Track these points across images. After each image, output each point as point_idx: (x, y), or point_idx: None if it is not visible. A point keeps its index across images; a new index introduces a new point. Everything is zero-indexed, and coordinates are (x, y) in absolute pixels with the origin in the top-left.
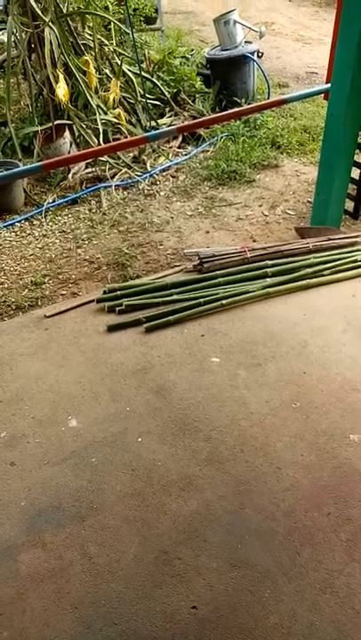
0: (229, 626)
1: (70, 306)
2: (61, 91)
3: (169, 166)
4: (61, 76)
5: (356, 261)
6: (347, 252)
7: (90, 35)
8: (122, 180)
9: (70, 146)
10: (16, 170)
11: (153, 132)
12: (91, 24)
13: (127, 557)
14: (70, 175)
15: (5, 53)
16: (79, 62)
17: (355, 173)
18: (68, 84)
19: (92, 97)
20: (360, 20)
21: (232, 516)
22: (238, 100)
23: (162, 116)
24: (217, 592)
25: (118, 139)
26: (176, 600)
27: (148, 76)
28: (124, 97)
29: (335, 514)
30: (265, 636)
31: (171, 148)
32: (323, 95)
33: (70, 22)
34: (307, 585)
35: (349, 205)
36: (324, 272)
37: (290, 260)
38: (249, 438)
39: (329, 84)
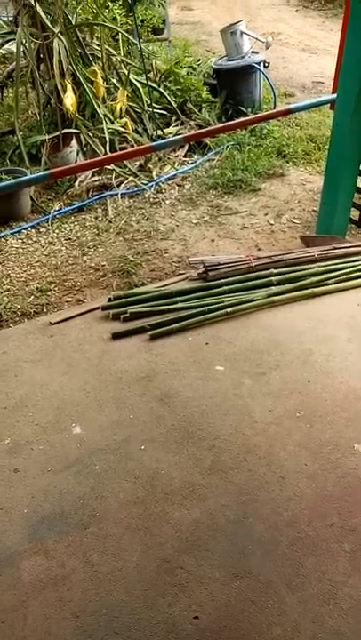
0: (231, 637)
1: (75, 313)
2: (69, 100)
3: (175, 175)
4: (69, 86)
5: None
6: (352, 261)
7: (98, 45)
8: (128, 189)
9: (77, 154)
10: (24, 178)
11: (159, 142)
12: (99, 35)
13: (129, 566)
14: (77, 183)
15: (15, 63)
16: (87, 72)
17: (360, 182)
18: (75, 94)
19: (99, 106)
20: None
21: (235, 526)
22: (244, 110)
23: (168, 125)
24: (219, 602)
25: (125, 147)
26: (178, 610)
27: (155, 86)
28: (130, 106)
29: (339, 524)
30: None
31: (177, 156)
32: (329, 105)
33: (79, 33)
34: (310, 596)
35: (355, 214)
36: (330, 281)
37: (295, 268)
38: (253, 447)
39: (335, 94)
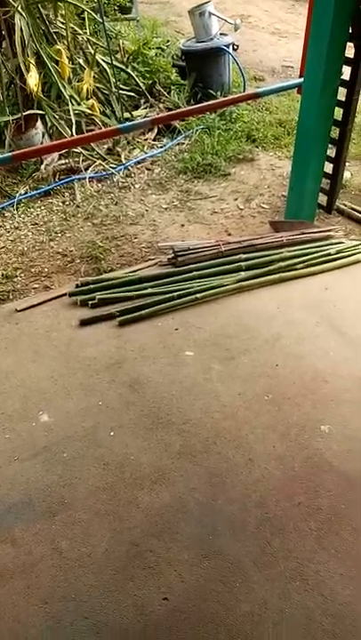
0: (200, 616)
1: (42, 300)
2: (32, 80)
3: (144, 159)
4: (33, 65)
5: (328, 255)
6: (320, 246)
7: (62, 23)
8: (96, 172)
9: (43, 137)
10: None
11: (126, 124)
12: (63, 12)
13: (98, 551)
14: (43, 166)
15: None
16: (51, 51)
17: (328, 168)
18: (40, 74)
19: (64, 87)
20: (331, 14)
21: (204, 508)
22: (214, 93)
23: (137, 107)
24: (188, 583)
25: (92, 130)
26: (147, 592)
27: (123, 67)
28: (98, 87)
29: (306, 503)
30: (236, 624)
31: (146, 140)
32: (297, 89)
33: (42, 9)
34: (277, 573)
35: (323, 199)
36: (298, 266)
37: (264, 253)
38: (222, 431)
39: (302, 79)
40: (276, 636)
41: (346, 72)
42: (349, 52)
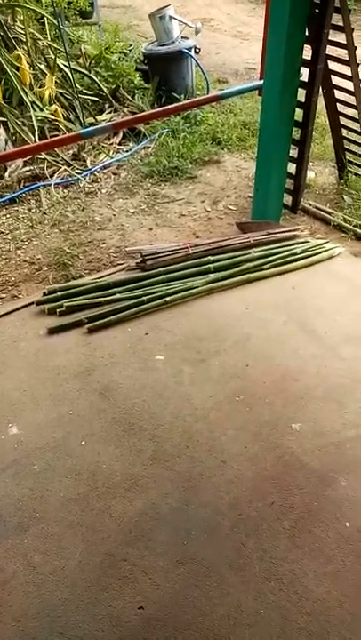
0: (176, 622)
1: (9, 310)
2: None
3: (110, 163)
4: None
5: (295, 254)
6: (286, 246)
7: (21, 28)
8: (62, 179)
9: (6, 143)
10: None
11: (87, 129)
12: (22, 17)
13: (72, 564)
14: (7, 174)
15: None
16: (11, 57)
17: (292, 168)
18: (0, 80)
19: (26, 93)
20: (287, 17)
21: (178, 513)
22: (177, 96)
23: (101, 112)
24: (163, 590)
25: (57, 135)
26: (122, 602)
27: (85, 72)
28: (60, 93)
29: (278, 502)
30: (212, 628)
31: (111, 144)
32: (258, 91)
33: None
34: (252, 575)
35: (288, 200)
36: (265, 266)
37: (232, 254)
38: (194, 434)
39: (262, 81)
40: (252, 638)
41: (305, 74)
42: (307, 53)
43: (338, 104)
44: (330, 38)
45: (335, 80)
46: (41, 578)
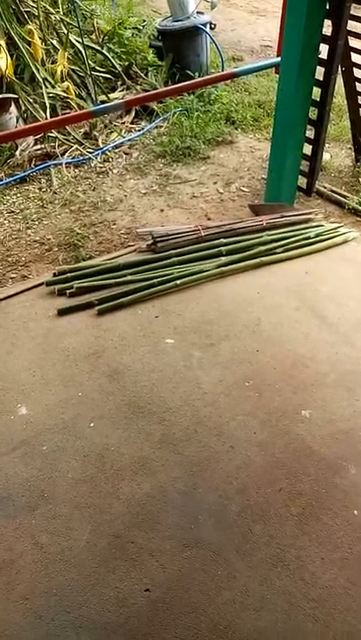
0: (182, 605)
1: (18, 290)
2: (3, 62)
3: (122, 143)
4: (3, 47)
5: (308, 238)
6: (300, 230)
7: (34, 2)
8: (73, 158)
9: (17, 121)
10: None
11: (99, 107)
12: None
13: (79, 545)
14: (18, 152)
15: None
16: (22, 31)
17: (307, 150)
18: (11, 56)
19: (38, 69)
20: None
21: (185, 497)
22: (192, 74)
23: (113, 89)
24: (170, 573)
25: (68, 113)
26: (129, 584)
27: (98, 48)
28: (72, 69)
29: (287, 489)
30: (218, 612)
31: (124, 123)
32: (274, 69)
33: None
34: (259, 560)
35: (303, 182)
36: (278, 250)
37: (244, 237)
38: (203, 418)
39: (279, 58)
40: (258, 623)
41: (324, 50)
42: (326, 30)
43: (357, 83)
44: (351, 13)
45: (355, 58)
46: (48, 558)
